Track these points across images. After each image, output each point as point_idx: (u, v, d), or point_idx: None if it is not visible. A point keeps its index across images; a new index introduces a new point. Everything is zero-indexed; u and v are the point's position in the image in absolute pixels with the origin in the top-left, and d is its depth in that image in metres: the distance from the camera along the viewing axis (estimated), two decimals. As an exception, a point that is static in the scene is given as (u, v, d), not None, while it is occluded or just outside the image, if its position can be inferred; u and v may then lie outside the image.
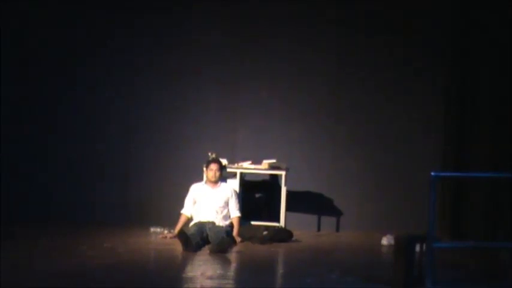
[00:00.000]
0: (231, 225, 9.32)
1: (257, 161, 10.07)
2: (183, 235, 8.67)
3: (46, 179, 10.54)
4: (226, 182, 9.61)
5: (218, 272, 7.74)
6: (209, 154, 9.62)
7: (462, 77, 10.02)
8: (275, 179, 10.25)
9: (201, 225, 9.07)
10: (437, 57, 10.28)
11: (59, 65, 10.58)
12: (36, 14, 10.45)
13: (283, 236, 9.46)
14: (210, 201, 9.30)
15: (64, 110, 10.64)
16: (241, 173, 9.94)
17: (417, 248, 7.12)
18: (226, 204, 9.34)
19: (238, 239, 9.19)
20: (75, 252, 8.22)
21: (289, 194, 9.93)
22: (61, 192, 10.54)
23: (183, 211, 9.40)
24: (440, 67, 10.26)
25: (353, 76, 10.56)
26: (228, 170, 9.88)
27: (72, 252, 8.25)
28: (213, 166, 9.35)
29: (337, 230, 10.52)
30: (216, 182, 9.37)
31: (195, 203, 9.37)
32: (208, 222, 9.13)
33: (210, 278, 7.31)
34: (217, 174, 9.35)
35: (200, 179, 9.62)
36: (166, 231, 9.56)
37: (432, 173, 6.92)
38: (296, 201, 10.27)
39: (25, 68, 10.52)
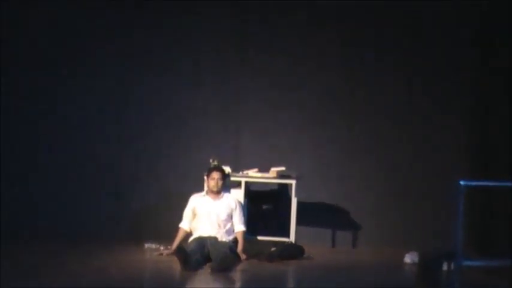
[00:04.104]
0: (235, 241, 9.30)
1: (264, 168, 10.05)
2: (181, 252, 8.67)
3: (33, 189, 10.59)
4: (229, 192, 9.61)
5: (220, 293, 7.76)
6: (210, 161, 9.61)
7: (487, 79, 10.26)
8: (284, 188, 10.24)
9: (201, 241, 9.06)
10: (461, 57, 10.44)
11: (47, 74, 10.64)
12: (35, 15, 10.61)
13: (293, 252, 9.46)
14: (212, 214, 9.28)
15: (53, 118, 10.67)
16: (246, 182, 9.93)
17: (444, 266, 7.35)
18: (230, 217, 9.33)
19: (243, 256, 9.14)
20: (63, 271, 8.27)
21: (300, 205, 9.88)
22: (49, 205, 10.57)
23: (181, 225, 9.37)
24: (461, 67, 10.44)
25: (370, 76, 10.62)
26: (232, 178, 9.88)
27: (61, 271, 8.30)
28: (215, 174, 9.31)
29: (354, 246, 10.57)
30: (218, 192, 9.34)
31: (195, 215, 9.34)
32: (210, 237, 9.13)
33: (212, 299, 7.31)
34: (220, 183, 9.32)
35: (201, 189, 9.60)
36: (162, 248, 9.51)
37: (461, 182, 6.98)
38: (308, 213, 10.25)
39: (16, 79, 10.62)
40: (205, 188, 9.46)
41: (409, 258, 9.35)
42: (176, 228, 9.35)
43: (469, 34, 10.41)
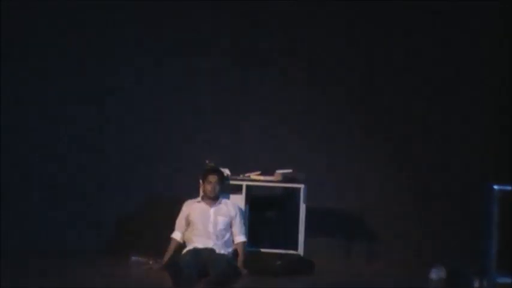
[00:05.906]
0: (235, 253, 9.16)
1: (268, 171, 9.90)
2: (173, 266, 8.55)
3: (11, 199, 10.47)
4: (228, 198, 9.49)
5: (218, 313, 7.82)
6: (207, 162, 9.51)
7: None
8: (291, 193, 10.02)
9: (196, 253, 8.82)
10: (492, 55, 10.44)
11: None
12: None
13: (301, 267, 9.35)
14: (208, 223, 9.07)
15: (31, 118, 10.61)
16: (247, 187, 9.77)
17: (476, 283, 7.43)
18: (229, 226, 9.15)
19: (243, 271, 8.98)
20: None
21: (309, 213, 9.72)
22: (23, 215, 10.47)
23: (173, 235, 9.21)
24: (491, 66, 10.41)
25: (389, 68, 10.64)
26: (231, 182, 9.73)
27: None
28: (212, 178, 9.11)
29: (371, 259, 10.43)
30: (215, 198, 9.15)
31: (188, 224, 9.13)
32: (206, 250, 8.90)
33: (208, 322, 7.45)
34: (217, 188, 9.13)
35: (196, 194, 9.41)
36: (151, 261, 9.37)
37: (495, 186, 6.93)
38: (318, 222, 10.24)
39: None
40: (201, 193, 9.28)
41: (435, 274, 9.26)
42: (167, 239, 9.20)
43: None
